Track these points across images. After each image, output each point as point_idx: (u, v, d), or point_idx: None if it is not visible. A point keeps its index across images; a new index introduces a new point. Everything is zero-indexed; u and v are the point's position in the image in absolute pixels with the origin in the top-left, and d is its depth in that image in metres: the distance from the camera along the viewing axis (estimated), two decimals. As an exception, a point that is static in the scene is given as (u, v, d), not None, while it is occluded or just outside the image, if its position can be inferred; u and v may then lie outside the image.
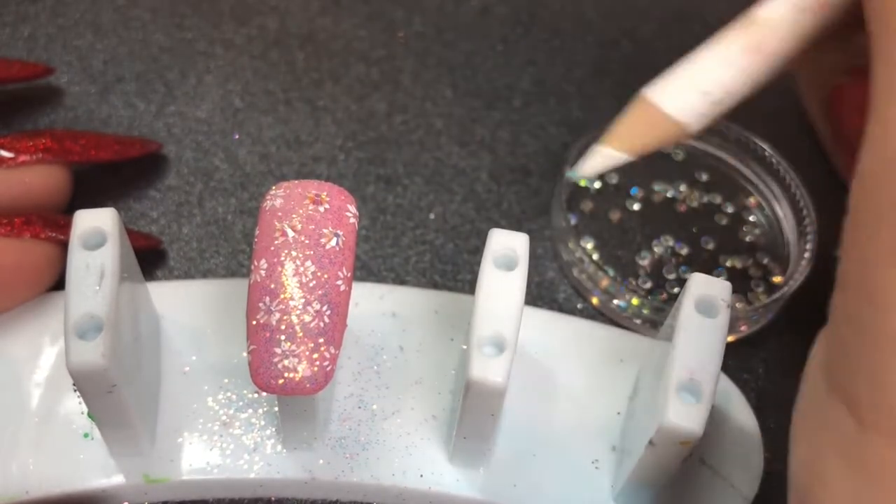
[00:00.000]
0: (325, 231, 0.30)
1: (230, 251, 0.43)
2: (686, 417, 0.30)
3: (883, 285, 0.23)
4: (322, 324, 0.29)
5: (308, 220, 0.30)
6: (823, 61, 0.35)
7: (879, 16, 0.25)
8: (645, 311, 0.41)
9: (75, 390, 0.32)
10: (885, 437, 0.23)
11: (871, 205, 0.24)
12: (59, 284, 0.38)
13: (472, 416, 0.32)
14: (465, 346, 0.32)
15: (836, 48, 0.32)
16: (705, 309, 0.32)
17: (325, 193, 0.31)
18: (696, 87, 0.31)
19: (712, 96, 0.31)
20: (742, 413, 0.37)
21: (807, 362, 0.27)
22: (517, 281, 0.31)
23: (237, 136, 0.46)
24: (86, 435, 0.35)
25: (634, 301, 0.41)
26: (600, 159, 0.33)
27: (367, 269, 0.43)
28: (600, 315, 0.42)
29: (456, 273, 0.43)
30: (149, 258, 0.42)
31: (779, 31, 0.31)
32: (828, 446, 0.25)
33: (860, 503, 0.23)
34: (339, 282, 0.30)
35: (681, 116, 0.32)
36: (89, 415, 0.33)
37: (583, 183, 0.46)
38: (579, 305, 0.43)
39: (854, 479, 0.24)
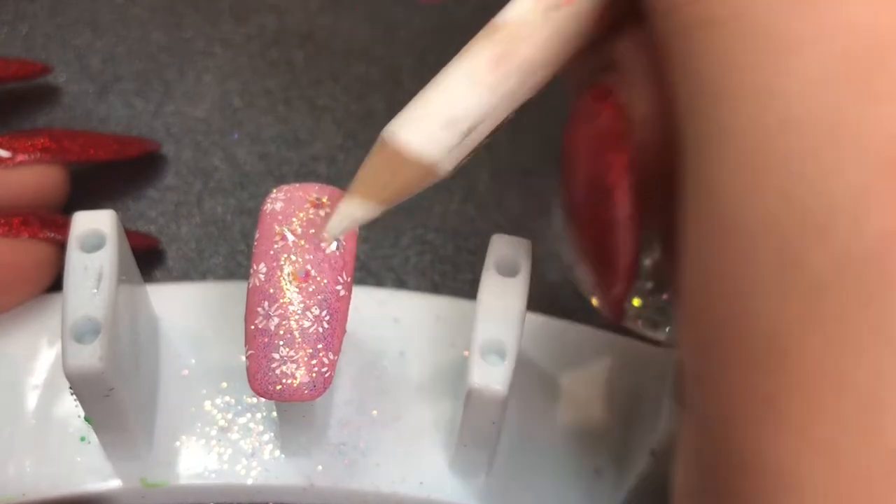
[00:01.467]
0: (325, 235, 0.30)
1: (229, 251, 0.43)
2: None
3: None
4: (321, 329, 0.29)
5: (308, 224, 0.30)
6: (576, 68, 0.28)
7: (694, 132, 0.22)
8: (646, 312, 0.41)
9: (72, 393, 0.32)
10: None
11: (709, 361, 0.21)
12: (57, 285, 0.38)
13: (472, 423, 0.32)
14: (466, 353, 0.31)
15: (591, 51, 0.27)
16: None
17: (325, 197, 0.31)
18: (439, 117, 0.25)
19: (461, 125, 0.25)
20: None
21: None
22: (519, 287, 0.31)
23: (236, 136, 0.46)
24: (83, 438, 0.35)
25: (636, 302, 0.41)
26: (344, 218, 0.27)
27: (367, 269, 0.43)
28: (601, 316, 0.42)
29: (456, 273, 0.43)
30: (147, 258, 0.42)
31: (527, 35, 0.25)
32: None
33: None
34: (339, 287, 0.30)
35: (426, 155, 0.25)
36: (86, 418, 0.33)
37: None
38: (580, 306, 0.42)
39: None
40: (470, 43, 0.26)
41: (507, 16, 0.25)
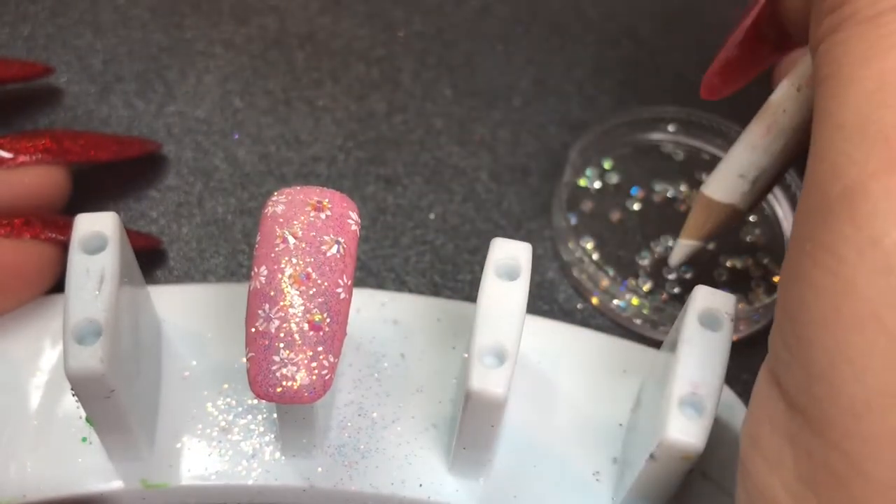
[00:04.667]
0: (326, 238, 0.30)
1: (230, 251, 0.43)
2: (687, 432, 0.30)
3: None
4: (322, 332, 0.29)
5: (309, 227, 0.30)
6: None
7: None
8: (645, 311, 0.41)
9: (74, 394, 0.32)
10: (810, 424, 0.25)
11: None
12: (59, 286, 0.38)
13: (471, 426, 0.32)
14: (466, 355, 0.31)
15: None
16: (709, 322, 0.32)
17: (326, 200, 0.31)
18: (733, 173, 0.37)
19: (748, 177, 0.37)
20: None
21: None
22: (519, 291, 0.31)
23: (237, 136, 0.46)
24: (84, 439, 0.35)
25: (634, 301, 0.41)
26: (681, 250, 0.39)
27: (367, 269, 0.43)
28: (600, 315, 0.42)
29: (456, 273, 0.43)
30: (148, 258, 0.42)
31: (783, 109, 0.35)
32: (763, 419, 0.27)
33: (784, 464, 0.26)
34: (340, 290, 0.30)
35: (728, 200, 0.37)
36: (87, 419, 0.33)
37: (583, 183, 0.46)
38: (579, 305, 0.43)
39: (782, 447, 0.26)
40: (752, 120, 0.37)
41: (772, 98, 0.36)
